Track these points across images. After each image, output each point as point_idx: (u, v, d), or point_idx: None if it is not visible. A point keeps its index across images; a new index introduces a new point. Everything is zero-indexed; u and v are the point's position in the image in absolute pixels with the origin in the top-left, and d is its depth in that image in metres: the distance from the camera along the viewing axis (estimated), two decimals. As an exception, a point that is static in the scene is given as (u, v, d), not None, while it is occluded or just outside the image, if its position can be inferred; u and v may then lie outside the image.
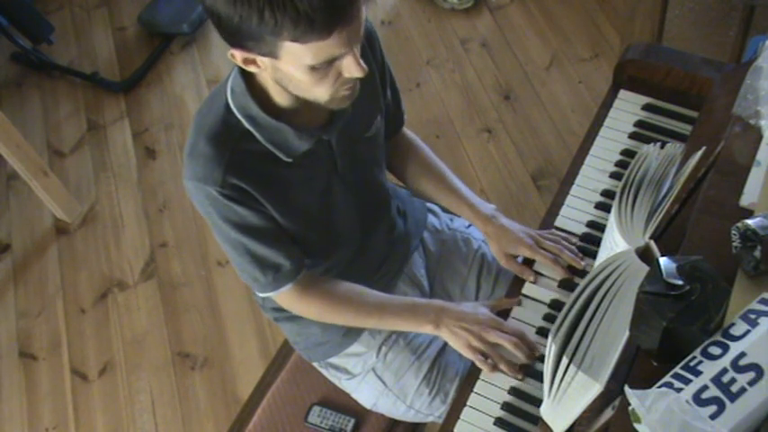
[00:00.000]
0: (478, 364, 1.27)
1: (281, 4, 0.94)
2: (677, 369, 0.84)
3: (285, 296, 1.33)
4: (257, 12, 0.95)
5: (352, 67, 1.05)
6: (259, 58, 1.06)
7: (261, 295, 1.34)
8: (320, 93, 1.09)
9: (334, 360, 1.48)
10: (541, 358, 1.26)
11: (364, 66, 1.06)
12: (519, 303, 1.34)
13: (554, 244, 1.37)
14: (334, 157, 1.27)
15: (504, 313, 1.34)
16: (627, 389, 0.82)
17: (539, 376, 1.25)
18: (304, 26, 0.96)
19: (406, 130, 1.51)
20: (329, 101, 1.12)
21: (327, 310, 1.36)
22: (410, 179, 1.50)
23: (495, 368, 1.26)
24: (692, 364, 0.83)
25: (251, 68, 1.09)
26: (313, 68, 1.04)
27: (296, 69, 1.04)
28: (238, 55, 1.06)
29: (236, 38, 1.02)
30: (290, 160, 1.20)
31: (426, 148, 1.51)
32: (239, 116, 1.16)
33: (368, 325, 1.40)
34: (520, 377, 1.25)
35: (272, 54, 1.03)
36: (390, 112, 1.41)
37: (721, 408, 0.79)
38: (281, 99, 1.16)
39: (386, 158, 1.49)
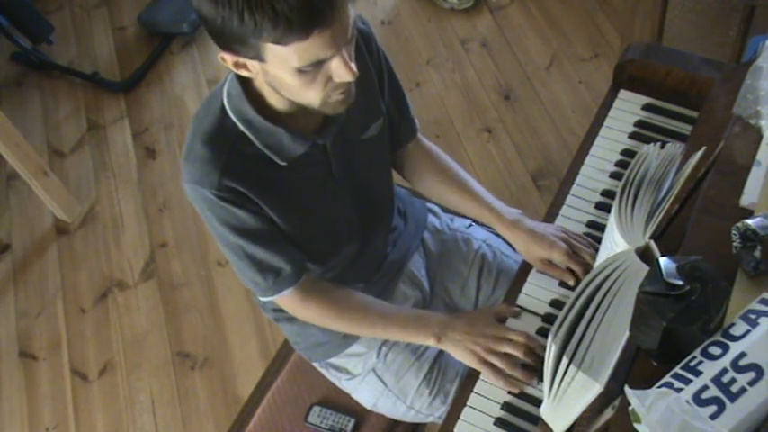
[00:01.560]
0: (490, 376, 1.25)
1: (259, 4, 0.94)
2: (677, 369, 0.84)
3: (287, 300, 1.32)
4: (237, 13, 0.96)
5: (341, 70, 1.04)
6: (249, 62, 1.06)
7: (262, 299, 1.34)
8: (312, 97, 1.09)
9: (334, 360, 1.48)
10: (541, 358, 1.26)
11: (355, 69, 1.05)
12: (517, 315, 1.32)
13: (586, 248, 1.34)
14: (328, 160, 1.26)
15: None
16: (627, 389, 0.82)
17: (539, 376, 1.25)
18: (283, 27, 0.96)
19: (422, 137, 1.48)
20: (322, 105, 1.11)
21: (330, 317, 1.35)
22: (428, 187, 1.48)
23: (507, 380, 1.24)
24: (692, 364, 0.83)
25: (243, 73, 1.09)
26: (300, 71, 1.03)
27: (284, 72, 1.04)
28: (228, 58, 1.06)
29: (222, 40, 1.03)
30: (284, 164, 1.20)
31: (444, 155, 1.48)
32: (235, 119, 1.16)
33: (369, 335, 1.40)
34: (536, 383, 1.23)
35: (258, 57, 1.03)
36: (395, 118, 1.40)
37: (721, 408, 0.79)
38: (277, 103, 1.16)
39: (401, 166, 1.48)
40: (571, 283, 1.33)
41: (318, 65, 1.03)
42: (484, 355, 1.25)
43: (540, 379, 1.24)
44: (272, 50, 1.00)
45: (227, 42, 1.02)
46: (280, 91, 1.10)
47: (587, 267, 1.32)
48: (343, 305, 1.35)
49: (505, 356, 1.25)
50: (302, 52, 1.00)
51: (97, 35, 3.15)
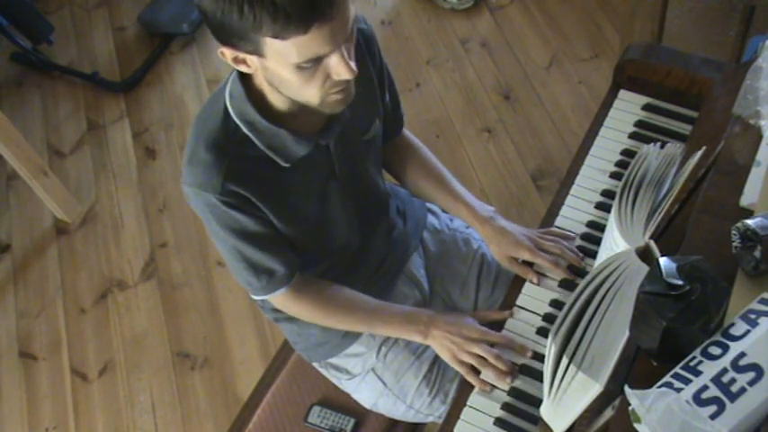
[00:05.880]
0: (465, 375, 1.28)
1: None
2: (677, 369, 0.84)
3: (279, 299, 1.35)
4: (237, 6, 0.96)
5: (339, 68, 1.04)
6: (248, 58, 1.06)
7: (255, 298, 1.36)
8: (310, 95, 1.09)
9: (334, 360, 1.48)
10: (541, 358, 1.26)
11: (354, 67, 1.05)
12: (511, 315, 1.33)
13: (554, 244, 1.37)
14: (331, 161, 1.27)
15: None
16: (627, 389, 0.82)
17: (539, 376, 1.25)
18: (282, 20, 0.96)
19: (406, 132, 1.51)
20: (321, 104, 1.11)
21: (319, 314, 1.37)
22: (409, 180, 1.50)
23: (483, 383, 1.26)
24: (692, 364, 0.83)
25: (242, 68, 1.09)
26: (299, 68, 1.03)
27: (283, 68, 1.04)
28: (227, 53, 1.06)
29: (222, 34, 1.02)
30: (287, 165, 1.20)
31: (425, 149, 1.51)
32: (238, 121, 1.16)
33: (358, 330, 1.42)
34: (509, 381, 1.25)
35: (258, 52, 1.03)
36: (389, 115, 1.41)
37: (721, 408, 0.79)
38: (278, 103, 1.16)
39: (385, 160, 1.49)
40: (535, 281, 1.35)
41: (317, 61, 1.03)
42: (457, 353, 1.29)
43: (529, 375, 1.26)
44: (271, 45, 1.00)
45: (227, 36, 1.02)
46: (279, 88, 1.10)
47: (558, 261, 1.35)
48: (332, 302, 1.37)
49: (478, 357, 1.28)
50: (301, 47, 1.00)
51: (97, 35, 3.15)
